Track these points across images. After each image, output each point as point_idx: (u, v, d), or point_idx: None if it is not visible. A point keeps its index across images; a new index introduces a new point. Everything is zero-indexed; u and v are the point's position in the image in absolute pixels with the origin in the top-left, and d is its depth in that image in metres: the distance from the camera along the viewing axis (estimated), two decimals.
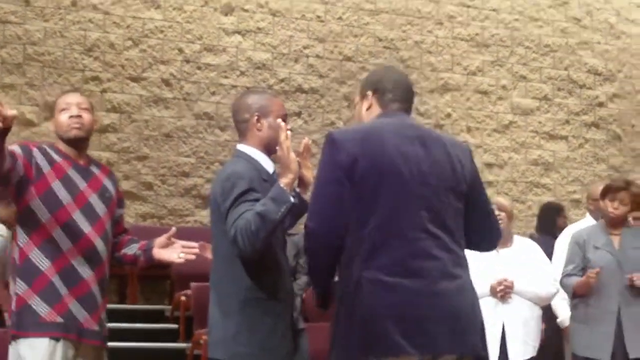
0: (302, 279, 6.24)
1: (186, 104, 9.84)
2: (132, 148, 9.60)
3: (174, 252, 3.80)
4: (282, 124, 3.47)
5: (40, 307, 3.59)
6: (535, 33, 11.37)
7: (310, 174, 3.55)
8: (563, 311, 6.13)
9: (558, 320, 6.23)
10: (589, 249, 5.48)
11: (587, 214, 6.54)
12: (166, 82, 9.82)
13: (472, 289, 3.10)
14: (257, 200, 3.35)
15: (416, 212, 2.99)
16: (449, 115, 10.85)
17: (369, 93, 3.25)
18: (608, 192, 5.51)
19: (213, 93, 9.95)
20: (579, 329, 5.51)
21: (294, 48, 10.36)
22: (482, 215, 3.23)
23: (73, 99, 3.84)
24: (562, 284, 5.53)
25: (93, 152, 4.00)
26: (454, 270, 3.02)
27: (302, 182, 3.55)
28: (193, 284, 7.54)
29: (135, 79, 9.69)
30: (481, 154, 10.73)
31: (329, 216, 3.03)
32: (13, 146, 3.59)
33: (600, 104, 11.51)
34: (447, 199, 3.06)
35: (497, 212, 4.20)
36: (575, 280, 5.43)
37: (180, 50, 9.91)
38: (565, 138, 11.23)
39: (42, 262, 3.61)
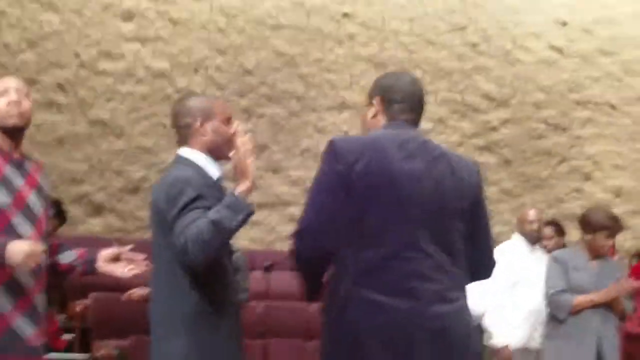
0: (240, 296, 6.17)
1: (80, 110, 9.65)
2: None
3: (120, 267, 3.50)
4: (239, 127, 3.32)
5: None
6: (433, 57, 11.55)
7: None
8: (500, 331, 6.13)
9: (493, 341, 6.15)
10: (571, 271, 5.70)
11: (516, 234, 6.49)
12: (61, 87, 9.62)
13: (469, 313, 2.97)
14: (207, 208, 3.17)
15: (413, 231, 2.85)
16: (346, 133, 10.92)
17: (376, 100, 3.10)
18: (605, 229, 5.74)
19: (109, 100, 9.79)
20: (559, 346, 5.68)
21: (194, 58, 10.28)
22: (480, 240, 3.08)
23: (11, 83, 3.46)
24: (555, 301, 5.69)
25: None
26: (451, 293, 2.88)
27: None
28: (93, 294, 7.37)
29: (29, 82, 9.45)
30: None
31: (319, 223, 2.90)
32: None
33: (493, 129, 11.76)
34: (447, 219, 2.92)
35: None
36: (572, 297, 5.62)
37: (77, 55, 9.73)
38: None
39: None
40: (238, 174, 3.24)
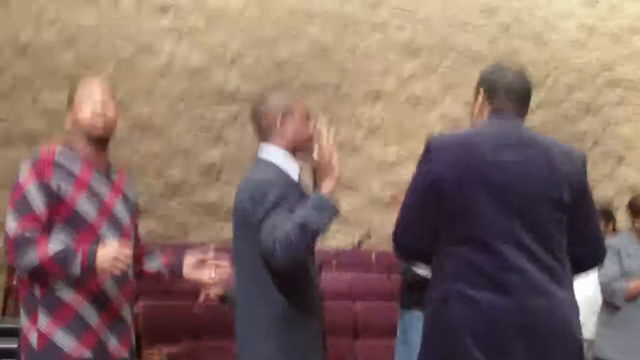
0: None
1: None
2: None
3: (206, 272, 3.52)
4: (324, 127, 3.26)
5: (65, 342, 3.23)
6: (465, 41, 11.45)
7: None
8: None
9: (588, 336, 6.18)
10: (624, 257, 5.71)
11: None
12: None
13: (571, 307, 2.96)
14: (291, 209, 3.15)
15: (508, 224, 2.86)
16: (382, 121, 10.89)
17: (481, 93, 3.13)
18: None
19: (147, 96, 9.74)
20: (612, 334, 5.69)
21: (230, 51, 10.19)
22: (585, 230, 3.05)
23: (97, 88, 3.40)
24: (610, 288, 5.67)
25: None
26: (548, 286, 2.88)
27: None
28: (142, 302, 7.45)
29: (68, 80, 9.41)
30: (410, 163, 10.79)
31: (412, 226, 2.99)
32: (34, 200, 3.22)
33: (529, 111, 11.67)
34: (543, 209, 2.91)
35: None
36: (626, 283, 5.62)
37: (115, 52, 9.65)
38: None
39: (66, 290, 3.25)
40: (322, 173, 3.23)
